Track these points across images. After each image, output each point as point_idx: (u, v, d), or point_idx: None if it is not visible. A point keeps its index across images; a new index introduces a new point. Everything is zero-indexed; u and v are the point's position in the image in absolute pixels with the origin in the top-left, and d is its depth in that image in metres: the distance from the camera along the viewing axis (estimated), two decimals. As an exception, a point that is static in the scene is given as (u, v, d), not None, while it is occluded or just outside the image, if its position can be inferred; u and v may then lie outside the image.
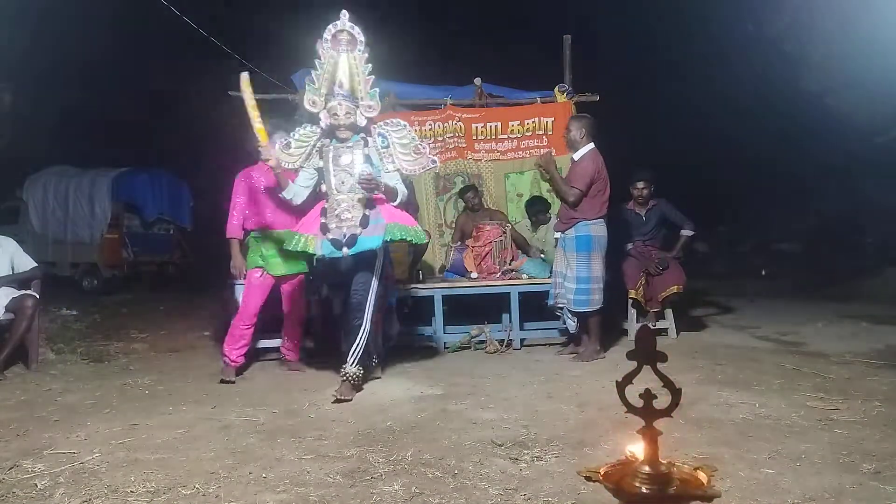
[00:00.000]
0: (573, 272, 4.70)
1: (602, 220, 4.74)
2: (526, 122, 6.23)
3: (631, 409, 2.15)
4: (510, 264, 5.49)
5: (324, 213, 3.88)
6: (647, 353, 2.12)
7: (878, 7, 8.69)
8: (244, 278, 4.47)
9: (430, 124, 6.20)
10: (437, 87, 6.52)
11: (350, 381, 3.72)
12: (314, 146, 3.92)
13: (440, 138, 6.17)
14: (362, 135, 3.88)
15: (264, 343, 4.90)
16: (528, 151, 6.21)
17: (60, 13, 11.71)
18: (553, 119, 6.17)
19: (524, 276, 5.42)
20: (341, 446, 2.77)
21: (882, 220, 11.83)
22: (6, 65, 10.57)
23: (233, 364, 4.35)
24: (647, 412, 2.12)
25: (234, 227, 4.44)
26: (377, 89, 3.91)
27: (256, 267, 4.40)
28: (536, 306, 5.34)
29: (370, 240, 3.76)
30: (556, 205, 5.65)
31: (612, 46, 14.55)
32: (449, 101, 6.26)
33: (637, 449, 2.20)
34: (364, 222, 3.79)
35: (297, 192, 4.04)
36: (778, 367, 4.22)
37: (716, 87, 13.78)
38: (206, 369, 4.68)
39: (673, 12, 13.59)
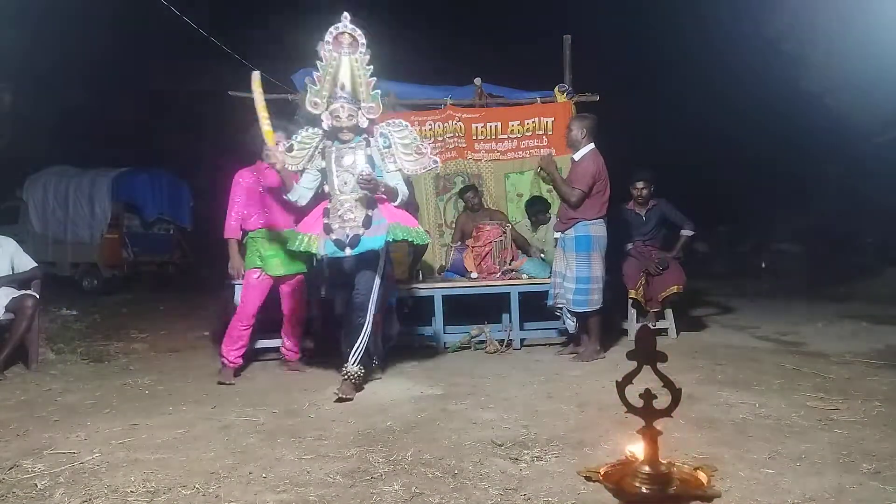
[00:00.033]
0: (572, 272, 4.70)
1: (602, 220, 4.74)
2: (526, 122, 6.23)
3: (631, 409, 2.15)
4: (510, 264, 5.49)
5: (326, 213, 3.89)
6: (647, 353, 2.13)
7: (878, 7, 8.69)
8: (242, 279, 4.47)
9: (430, 124, 6.20)
10: (437, 87, 6.52)
11: (351, 380, 3.73)
12: (316, 147, 3.94)
13: (440, 138, 6.17)
14: (364, 136, 3.90)
15: (263, 343, 4.89)
16: (528, 151, 6.21)
17: (60, 13, 11.72)
18: (553, 119, 6.17)
19: (524, 276, 5.42)
20: (341, 446, 2.77)
21: (882, 220, 11.83)
22: (6, 65, 10.57)
23: (231, 366, 4.35)
24: (647, 412, 2.12)
25: (231, 228, 4.43)
26: (379, 91, 3.93)
27: (255, 267, 4.39)
28: (536, 306, 5.34)
29: (373, 240, 3.77)
30: (556, 205, 5.65)
31: (612, 46, 14.56)
32: (449, 101, 6.26)
33: (637, 449, 2.20)
34: (367, 222, 3.80)
35: (301, 193, 4.06)
36: (778, 367, 4.22)
37: (716, 88, 13.79)
38: (206, 369, 4.68)
39: (673, 12, 13.60)
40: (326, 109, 3.83)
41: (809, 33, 10.01)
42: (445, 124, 6.22)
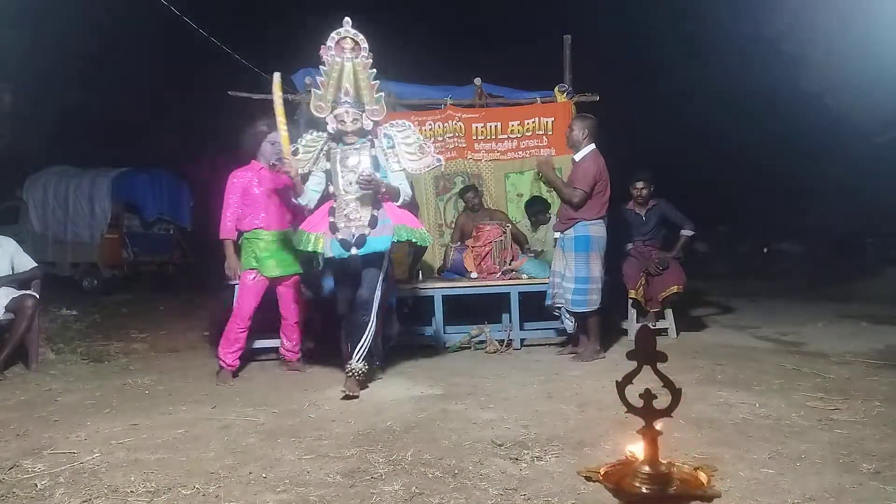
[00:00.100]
0: (572, 272, 4.70)
1: (601, 220, 4.74)
2: (526, 122, 6.23)
3: (631, 409, 2.15)
4: (510, 264, 5.49)
5: (332, 212, 3.92)
6: (647, 353, 2.13)
7: (878, 7, 8.70)
8: (239, 279, 4.45)
9: (430, 124, 6.20)
10: (437, 87, 6.52)
11: (356, 377, 3.75)
12: (321, 150, 3.99)
13: (440, 138, 6.17)
14: (369, 137, 3.94)
15: (260, 343, 4.89)
16: (528, 151, 6.21)
17: (60, 13, 11.71)
18: (553, 119, 6.17)
19: (524, 276, 5.42)
20: (341, 446, 2.77)
21: (882, 221, 11.84)
22: (6, 65, 10.57)
23: (228, 368, 4.35)
24: (647, 412, 2.12)
25: (226, 229, 4.38)
26: (382, 94, 3.96)
27: (250, 269, 4.37)
28: (536, 306, 5.34)
29: (379, 241, 3.81)
30: (556, 205, 5.65)
31: (612, 46, 14.56)
32: (449, 101, 6.26)
33: (637, 449, 2.20)
34: (373, 223, 3.84)
35: (309, 197, 4.08)
36: (778, 367, 4.22)
37: (716, 88, 13.80)
38: (206, 369, 4.68)
39: (673, 12, 13.60)
40: (331, 113, 3.87)
41: (809, 33, 10.01)
42: (445, 124, 6.22)
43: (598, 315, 4.77)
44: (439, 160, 4.05)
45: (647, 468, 2.12)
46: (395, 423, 3.11)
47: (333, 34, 3.83)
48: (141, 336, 6.39)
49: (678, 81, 15.26)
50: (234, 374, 4.42)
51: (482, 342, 5.30)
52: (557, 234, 4.91)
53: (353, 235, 3.80)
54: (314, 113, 3.93)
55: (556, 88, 6.19)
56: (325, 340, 4.88)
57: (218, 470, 2.50)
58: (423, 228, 4.17)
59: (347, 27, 3.84)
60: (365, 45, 3.85)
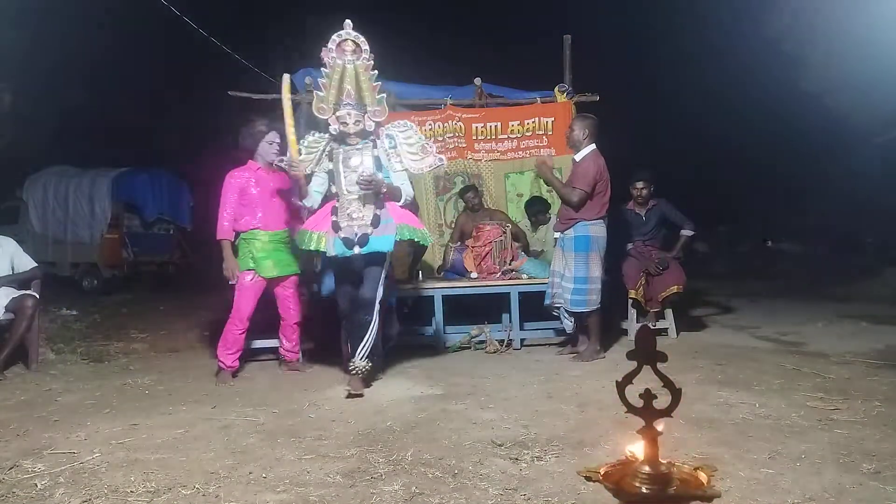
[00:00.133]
0: (571, 272, 4.70)
1: (602, 220, 4.74)
2: (526, 122, 6.23)
3: (631, 409, 2.15)
4: (510, 264, 5.49)
5: (335, 211, 3.93)
6: (647, 353, 2.13)
7: (877, 7, 8.70)
8: (237, 280, 4.43)
9: (430, 124, 6.19)
10: (437, 87, 6.52)
11: (360, 375, 3.77)
12: (323, 151, 4.01)
13: (440, 138, 6.17)
14: (371, 138, 3.97)
15: (258, 343, 4.89)
16: (528, 151, 6.21)
17: (61, 13, 11.72)
18: (553, 119, 6.17)
19: (524, 276, 5.42)
20: (341, 446, 2.77)
21: (882, 220, 11.83)
22: (6, 65, 10.57)
23: (228, 369, 4.35)
24: (647, 412, 2.12)
25: (224, 229, 4.34)
26: (384, 95, 3.97)
27: (248, 269, 4.35)
28: (536, 306, 5.34)
29: (382, 240, 3.83)
30: (556, 205, 5.65)
31: (612, 46, 14.57)
32: (449, 101, 6.26)
33: (637, 449, 2.20)
34: (375, 222, 3.86)
35: (313, 198, 4.10)
36: (778, 367, 4.22)
37: (716, 88, 13.81)
38: (206, 369, 4.68)
39: (673, 13, 13.61)
40: (333, 114, 3.89)
41: (809, 34, 10.02)
42: (445, 124, 6.22)
43: (598, 315, 4.77)
44: (441, 160, 4.07)
45: (647, 468, 2.12)
46: (395, 423, 3.11)
47: (334, 36, 3.85)
48: (141, 336, 6.39)
49: (678, 81, 15.26)
50: (234, 375, 4.42)
51: (482, 342, 5.30)
52: (557, 234, 4.90)
53: (356, 234, 3.82)
54: (316, 114, 3.95)
55: (556, 88, 6.19)
56: (324, 340, 4.88)
57: (218, 470, 2.50)
58: (425, 228, 4.20)
59: (348, 29, 3.86)
60: (366, 47, 3.87)
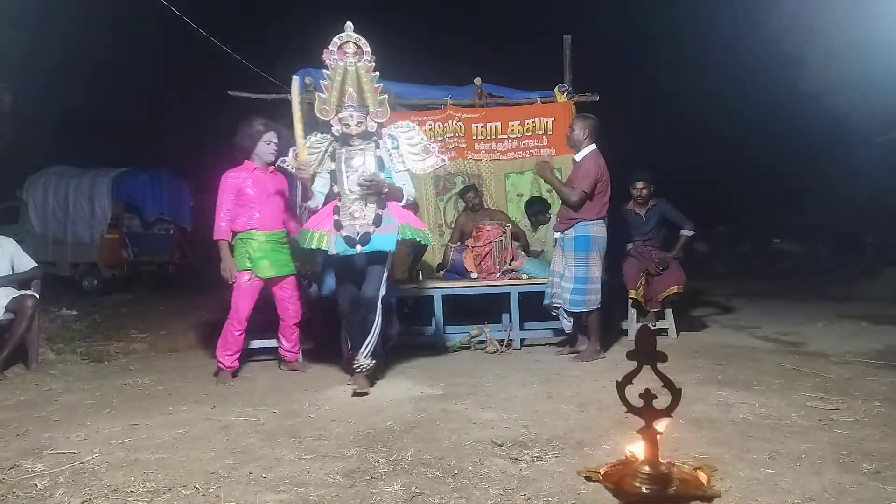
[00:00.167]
0: (571, 272, 4.71)
1: (602, 220, 4.74)
2: (526, 122, 6.23)
3: (631, 409, 2.15)
4: (510, 264, 5.49)
5: (336, 211, 3.95)
6: (647, 353, 2.13)
7: (877, 8, 8.70)
8: (235, 281, 4.41)
9: (430, 124, 6.20)
10: (437, 87, 6.52)
11: (365, 372, 3.79)
12: (325, 151, 4.03)
13: (440, 138, 6.17)
14: (374, 138, 3.99)
15: (258, 344, 4.88)
16: (528, 151, 6.22)
17: (61, 13, 11.72)
18: (553, 119, 6.17)
19: (524, 276, 5.42)
20: (341, 446, 2.77)
21: (882, 220, 11.84)
22: (6, 65, 10.56)
23: (227, 370, 4.35)
24: (647, 412, 2.12)
25: (221, 230, 4.32)
26: (386, 96, 3.98)
27: (245, 269, 4.33)
28: (536, 306, 5.34)
29: (384, 239, 3.84)
30: (556, 205, 5.65)
31: (612, 46, 14.58)
32: (449, 101, 6.26)
33: (637, 449, 2.20)
34: (377, 221, 3.87)
35: (317, 199, 4.11)
36: (778, 367, 4.22)
37: (716, 88, 13.82)
38: (205, 369, 4.68)
39: (673, 13, 13.61)
40: (335, 116, 3.91)
41: (808, 34, 10.02)
42: (445, 124, 6.22)
43: (598, 315, 4.77)
44: (444, 160, 4.10)
45: (647, 468, 2.12)
46: (395, 423, 3.11)
47: (336, 38, 3.86)
48: (141, 336, 6.39)
49: (678, 81, 15.27)
50: (234, 375, 4.41)
51: (482, 342, 5.30)
52: (557, 234, 4.91)
53: (358, 233, 3.83)
54: (319, 116, 3.96)
55: (556, 88, 6.19)
56: (324, 340, 4.88)
57: (218, 470, 2.50)
58: (426, 229, 4.22)
59: (349, 31, 3.87)
60: (367, 48, 3.88)
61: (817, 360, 4.49)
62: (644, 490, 2.09)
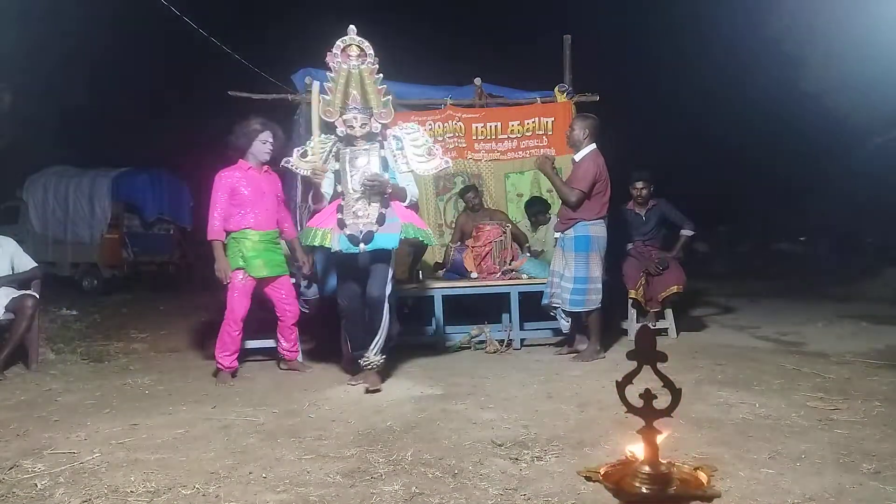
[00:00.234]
0: (571, 272, 4.71)
1: (602, 220, 4.74)
2: (526, 122, 6.23)
3: (631, 409, 2.15)
4: (510, 264, 5.49)
5: (340, 209, 3.96)
6: (647, 353, 2.13)
7: (877, 7, 8.70)
8: (229, 281, 4.38)
9: (430, 124, 6.19)
10: (437, 87, 6.52)
11: (375, 369, 3.83)
12: (330, 151, 4.04)
13: (440, 138, 6.17)
14: (378, 139, 4.00)
15: (255, 344, 4.88)
16: (528, 151, 6.22)
17: (61, 13, 11.71)
18: (553, 119, 6.18)
19: (524, 276, 5.42)
20: (341, 446, 2.77)
21: (882, 220, 11.84)
22: (6, 65, 10.57)
23: (227, 370, 4.35)
24: (647, 412, 2.12)
25: (214, 230, 4.32)
26: (389, 97, 3.99)
27: (238, 269, 4.32)
28: (536, 306, 5.34)
29: (387, 238, 3.85)
30: (556, 205, 5.65)
31: (612, 46, 14.57)
32: (449, 101, 6.26)
33: (637, 449, 2.20)
34: (380, 220, 3.88)
35: (324, 200, 4.11)
36: (778, 367, 4.22)
37: (716, 88, 13.82)
38: (205, 369, 4.68)
39: (673, 13, 13.61)
40: (340, 117, 3.93)
41: (808, 34, 10.02)
42: (445, 124, 6.22)
43: (598, 315, 4.77)
44: (447, 162, 4.10)
45: (647, 468, 2.12)
46: (395, 423, 3.11)
47: (339, 41, 3.88)
48: (141, 336, 6.39)
49: (678, 81, 15.28)
50: (234, 375, 4.41)
51: (482, 342, 5.30)
52: (558, 234, 4.91)
53: (361, 231, 3.84)
54: (324, 118, 3.96)
55: (556, 88, 6.19)
56: (324, 340, 4.88)
57: (218, 470, 2.50)
58: (429, 229, 4.23)
59: (352, 35, 3.88)
60: (370, 51, 3.90)
61: (817, 360, 4.49)
62: (644, 490, 2.09)
